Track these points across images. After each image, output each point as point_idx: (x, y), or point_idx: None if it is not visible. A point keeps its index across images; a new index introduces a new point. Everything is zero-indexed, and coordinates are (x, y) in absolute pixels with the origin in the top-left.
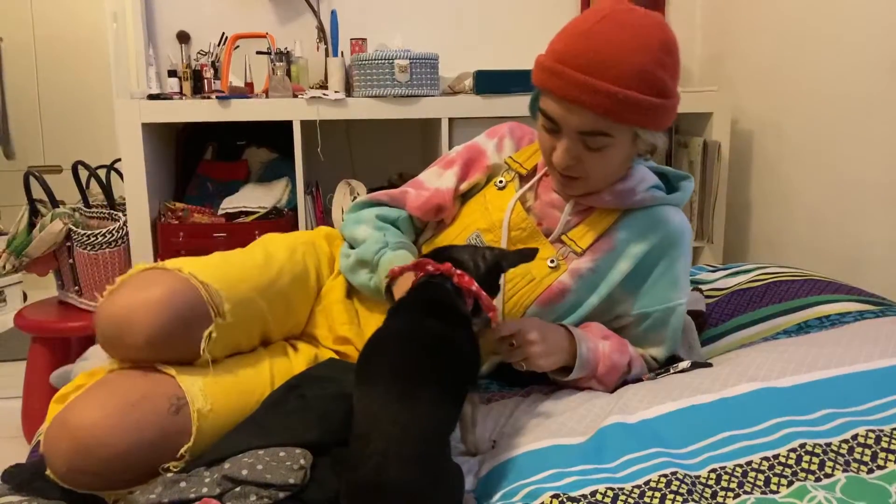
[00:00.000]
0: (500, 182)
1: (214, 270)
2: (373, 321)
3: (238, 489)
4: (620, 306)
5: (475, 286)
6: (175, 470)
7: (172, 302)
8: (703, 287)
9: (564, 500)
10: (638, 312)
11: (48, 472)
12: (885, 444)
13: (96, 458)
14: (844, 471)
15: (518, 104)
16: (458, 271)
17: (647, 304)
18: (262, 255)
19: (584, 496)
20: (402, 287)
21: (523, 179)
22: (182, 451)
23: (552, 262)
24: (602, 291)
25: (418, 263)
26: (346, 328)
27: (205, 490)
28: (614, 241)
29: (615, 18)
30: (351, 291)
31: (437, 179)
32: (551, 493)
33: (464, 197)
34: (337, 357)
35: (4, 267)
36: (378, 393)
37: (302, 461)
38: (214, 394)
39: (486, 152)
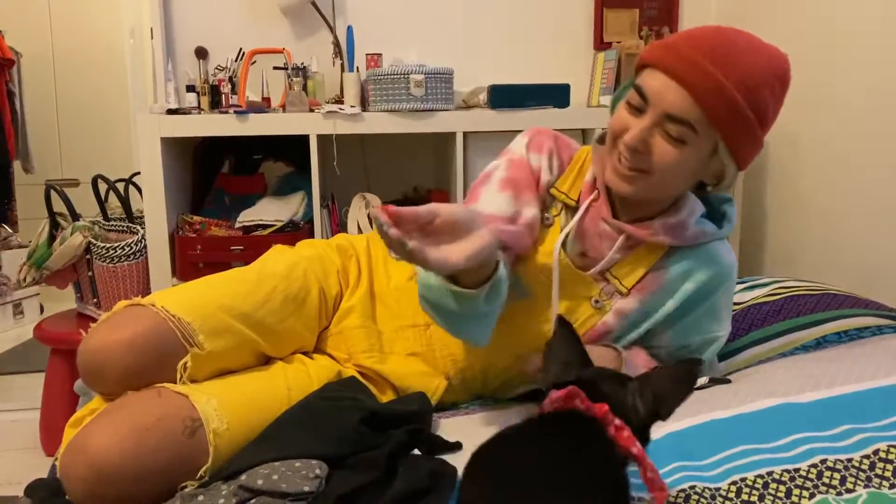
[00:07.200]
0: (548, 219)
1: (191, 301)
2: (398, 348)
3: (253, 501)
4: (657, 338)
5: (637, 449)
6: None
7: (140, 342)
8: None
9: None
10: (676, 344)
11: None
12: None
13: (113, 484)
14: (866, 486)
15: (532, 119)
16: (618, 422)
17: (686, 336)
18: (254, 276)
19: None
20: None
21: (569, 211)
22: (202, 472)
23: (596, 302)
24: (643, 328)
25: (570, 393)
26: (366, 357)
27: (221, 502)
28: (663, 280)
29: (750, 34)
30: (373, 315)
31: (510, 206)
32: None
33: None
34: (358, 377)
35: (25, 279)
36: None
37: (318, 471)
38: (230, 412)
39: (539, 173)
